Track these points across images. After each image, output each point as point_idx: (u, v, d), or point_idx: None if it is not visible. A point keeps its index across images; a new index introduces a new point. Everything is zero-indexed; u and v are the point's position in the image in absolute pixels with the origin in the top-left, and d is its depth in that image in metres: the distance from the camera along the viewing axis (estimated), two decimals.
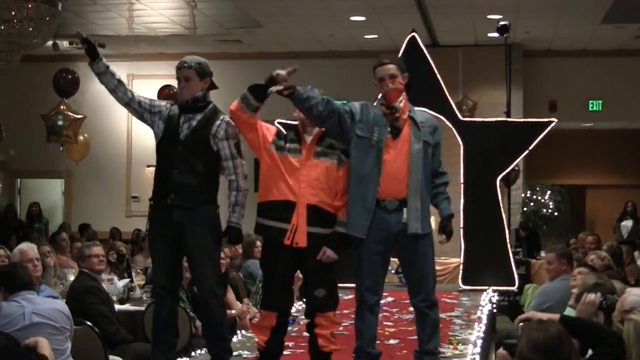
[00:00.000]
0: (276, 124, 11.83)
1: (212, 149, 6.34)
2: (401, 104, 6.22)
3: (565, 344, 4.34)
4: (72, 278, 9.34)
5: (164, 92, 18.46)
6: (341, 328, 6.72)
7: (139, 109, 6.42)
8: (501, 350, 4.82)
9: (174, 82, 20.78)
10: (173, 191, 6.24)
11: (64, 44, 18.25)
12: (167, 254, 6.28)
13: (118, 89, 6.54)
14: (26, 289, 6.46)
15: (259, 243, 11.99)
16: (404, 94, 6.27)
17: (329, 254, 5.98)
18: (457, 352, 7.00)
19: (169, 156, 6.34)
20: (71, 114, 15.50)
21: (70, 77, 15.78)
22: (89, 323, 7.15)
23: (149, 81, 19.70)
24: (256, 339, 6.34)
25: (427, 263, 6.18)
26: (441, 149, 6.29)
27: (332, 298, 6.10)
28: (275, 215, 6.00)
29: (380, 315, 8.88)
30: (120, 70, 21.03)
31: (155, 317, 6.41)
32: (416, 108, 6.37)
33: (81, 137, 16.63)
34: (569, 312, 6.74)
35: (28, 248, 8.53)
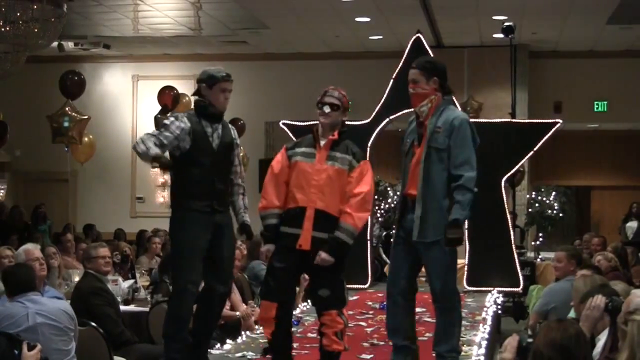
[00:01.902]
0: (281, 125, 11.92)
1: (233, 155, 6.61)
2: (424, 109, 6.23)
3: (583, 345, 4.34)
4: (77, 279, 9.35)
5: (165, 93, 18.48)
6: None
7: (174, 150, 6.36)
8: (514, 337, 4.80)
9: (178, 83, 20.80)
10: (216, 198, 6.42)
11: (70, 45, 18.28)
12: (203, 254, 6.39)
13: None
14: (31, 290, 6.47)
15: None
16: (432, 98, 6.24)
17: (324, 257, 6.02)
18: (462, 353, 6.99)
19: (206, 165, 6.39)
20: (76, 115, 15.50)
21: (76, 78, 15.77)
22: (93, 324, 7.15)
23: (153, 82, 19.72)
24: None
25: (434, 269, 6.21)
26: (463, 148, 6.13)
27: (336, 298, 6.13)
28: (291, 222, 6.15)
29: (385, 316, 8.93)
30: (125, 71, 21.37)
31: (177, 314, 6.41)
32: (450, 108, 6.31)
33: (86, 139, 16.62)
34: (573, 313, 6.74)
35: (33, 247, 8.55)
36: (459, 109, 6.68)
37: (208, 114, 6.48)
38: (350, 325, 7.19)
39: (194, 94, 6.62)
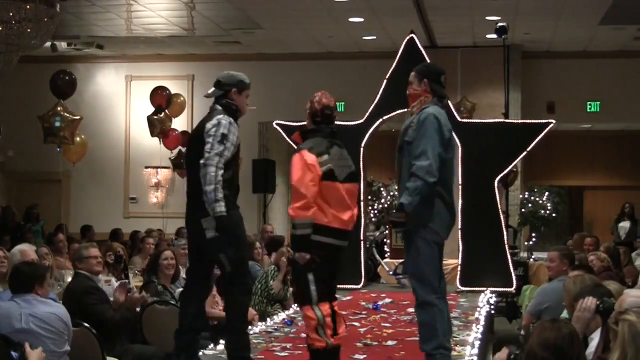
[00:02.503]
0: (275, 126, 11.92)
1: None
2: (414, 109, 6.49)
3: (576, 345, 4.40)
4: (69, 279, 9.33)
5: (158, 93, 18.47)
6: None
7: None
8: (504, 351, 4.82)
9: (171, 83, 20.80)
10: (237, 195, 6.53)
11: (63, 45, 18.26)
12: None
13: None
14: (29, 292, 6.47)
15: (258, 245, 12.04)
16: (422, 98, 6.48)
17: (295, 256, 6.13)
18: (455, 353, 7.00)
19: (235, 165, 6.50)
20: (68, 115, 15.47)
21: (67, 78, 15.74)
22: (86, 324, 7.14)
23: (147, 82, 19.73)
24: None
25: (408, 260, 6.44)
26: (422, 139, 6.23)
27: (300, 293, 6.23)
28: None
29: (378, 316, 8.96)
30: (119, 71, 21.35)
31: (247, 309, 6.58)
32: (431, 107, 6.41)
33: (78, 139, 16.60)
34: (566, 313, 6.75)
35: (28, 248, 8.54)
36: (450, 109, 6.73)
37: (235, 118, 6.49)
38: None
39: (213, 95, 6.60)
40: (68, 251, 12.42)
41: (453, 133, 6.59)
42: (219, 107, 6.50)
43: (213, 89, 6.63)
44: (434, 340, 6.20)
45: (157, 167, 20.09)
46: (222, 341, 7.47)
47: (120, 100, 20.92)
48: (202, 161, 6.20)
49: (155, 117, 18.39)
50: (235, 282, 6.36)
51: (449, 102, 11.27)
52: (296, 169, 6.11)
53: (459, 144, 11.07)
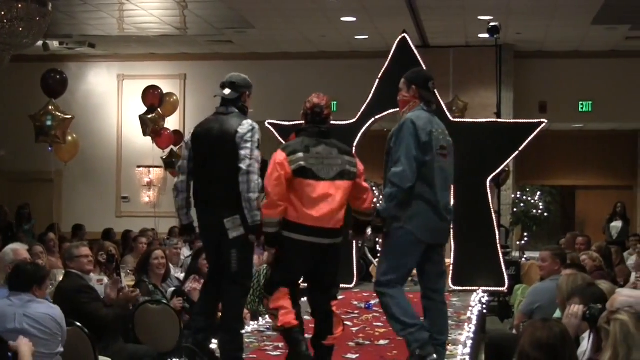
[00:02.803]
0: (267, 125, 11.92)
1: None
2: (404, 115, 6.60)
3: (568, 344, 4.40)
4: (60, 279, 9.31)
5: (150, 93, 18.44)
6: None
7: None
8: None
9: (164, 83, 20.78)
10: None
11: (54, 44, 18.23)
12: None
13: None
14: (26, 291, 6.47)
15: None
16: (410, 104, 6.63)
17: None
18: (447, 352, 7.01)
19: None
20: (60, 114, 15.42)
21: (58, 77, 15.67)
22: (78, 324, 7.12)
23: (139, 81, 19.69)
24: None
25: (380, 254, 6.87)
26: (398, 146, 6.34)
27: (266, 285, 6.53)
28: None
29: (371, 316, 8.97)
30: (111, 70, 21.32)
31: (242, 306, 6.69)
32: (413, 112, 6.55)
33: (70, 138, 16.55)
34: (559, 314, 6.76)
35: (21, 247, 8.53)
36: (443, 113, 6.80)
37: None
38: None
39: (230, 97, 6.61)
40: (60, 250, 12.39)
41: (441, 135, 6.60)
42: (236, 110, 6.55)
43: (229, 90, 6.61)
44: (396, 324, 6.34)
45: (149, 167, 20.07)
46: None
47: (112, 99, 20.89)
48: (244, 167, 6.26)
49: (147, 116, 18.36)
50: (237, 281, 6.36)
51: (442, 101, 11.34)
52: (269, 168, 6.29)
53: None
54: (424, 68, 11.07)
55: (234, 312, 6.43)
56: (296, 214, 6.19)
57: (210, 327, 6.59)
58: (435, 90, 6.85)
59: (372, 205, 6.51)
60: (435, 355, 6.23)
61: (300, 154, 6.21)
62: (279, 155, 6.25)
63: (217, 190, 6.35)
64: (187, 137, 6.64)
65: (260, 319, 9.02)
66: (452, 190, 6.86)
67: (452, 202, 6.79)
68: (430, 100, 6.63)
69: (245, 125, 6.36)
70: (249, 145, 6.30)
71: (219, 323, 6.56)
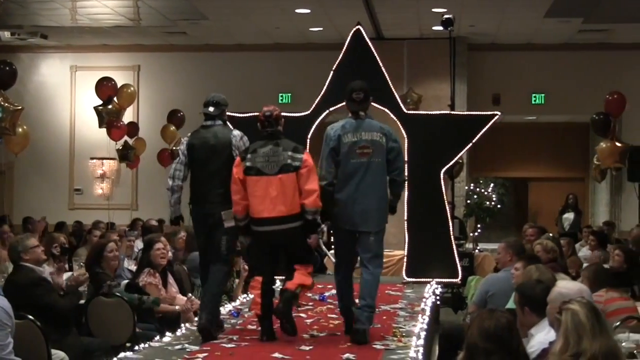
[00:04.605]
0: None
1: None
2: None
3: (515, 333, 4.50)
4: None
5: (103, 84, 18.28)
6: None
7: None
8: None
9: (118, 74, 20.51)
10: None
11: (6, 34, 18.03)
12: None
13: None
14: None
15: None
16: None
17: None
18: (401, 344, 7.03)
19: None
20: (9, 106, 15.23)
21: (7, 68, 15.47)
22: (30, 317, 7.06)
23: (92, 73, 19.54)
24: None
25: None
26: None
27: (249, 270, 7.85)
28: None
29: (325, 307, 8.98)
30: (64, 62, 21.08)
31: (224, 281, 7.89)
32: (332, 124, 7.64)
33: (20, 129, 16.35)
34: (512, 303, 6.83)
35: None
36: (356, 122, 7.51)
37: None
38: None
39: (215, 113, 7.72)
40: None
41: (365, 137, 7.42)
42: (221, 122, 7.72)
43: (213, 108, 7.71)
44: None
45: (102, 159, 19.93)
46: (168, 333, 7.45)
47: (65, 90, 20.73)
48: None
49: (104, 108, 18.19)
50: (225, 260, 7.51)
51: (396, 94, 11.36)
52: None
53: (405, 135, 11.11)
54: (377, 59, 11.13)
55: (217, 284, 7.51)
56: (251, 208, 7.16)
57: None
58: (364, 95, 7.54)
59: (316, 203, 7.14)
60: None
61: (249, 156, 7.18)
62: (236, 160, 7.27)
63: (214, 188, 7.43)
64: (182, 146, 7.74)
65: None
66: (387, 181, 7.55)
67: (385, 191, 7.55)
68: (354, 109, 7.51)
69: (237, 135, 7.57)
70: (238, 152, 7.46)
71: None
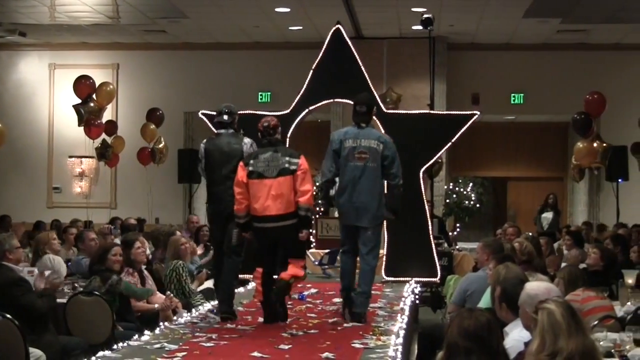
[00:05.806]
0: (200, 115, 11.87)
1: None
2: None
3: (494, 332, 4.53)
4: None
5: (82, 82, 18.19)
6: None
7: None
8: None
9: (96, 72, 20.48)
10: None
11: None
12: None
13: None
14: None
15: (184, 240, 11.96)
16: None
17: None
18: (380, 342, 7.05)
19: None
20: None
21: None
22: (8, 316, 7.03)
23: (71, 71, 19.46)
24: None
25: None
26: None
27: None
28: None
29: (304, 306, 9.01)
30: (42, 59, 20.99)
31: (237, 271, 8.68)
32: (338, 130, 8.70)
33: None
34: (487, 301, 6.86)
35: None
36: (358, 130, 8.48)
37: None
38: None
39: (229, 121, 8.66)
40: None
41: (363, 143, 8.38)
42: (233, 130, 8.60)
43: (227, 116, 8.60)
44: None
45: (81, 157, 19.87)
46: (147, 332, 7.44)
47: (43, 88, 20.64)
48: None
49: (83, 106, 18.09)
50: (236, 251, 8.33)
51: (375, 94, 11.37)
52: None
53: None
54: (356, 58, 11.15)
55: (232, 273, 8.45)
56: (253, 207, 8.02)
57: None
58: (367, 108, 8.57)
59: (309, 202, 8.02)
60: None
61: (252, 161, 8.06)
62: (240, 164, 8.13)
63: (228, 188, 8.25)
64: (201, 152, 8.70)
65: (194, 310, 8.99)
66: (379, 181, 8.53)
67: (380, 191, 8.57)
68: (357, 120, 8.53)
69: (247, 142, 8.49)
70: None
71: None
